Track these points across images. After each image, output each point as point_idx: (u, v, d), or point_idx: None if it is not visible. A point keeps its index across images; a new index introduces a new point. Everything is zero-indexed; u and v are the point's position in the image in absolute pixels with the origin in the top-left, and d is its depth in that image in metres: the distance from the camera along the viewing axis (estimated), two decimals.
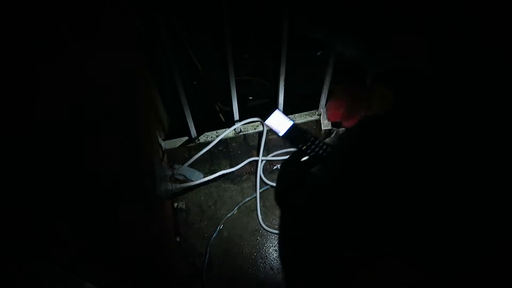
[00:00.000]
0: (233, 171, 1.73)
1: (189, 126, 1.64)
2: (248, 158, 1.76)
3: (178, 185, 1.40)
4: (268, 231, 1.63)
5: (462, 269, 0.71)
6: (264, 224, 1.64)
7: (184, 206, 1.71)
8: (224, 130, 1.70)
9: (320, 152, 1.01)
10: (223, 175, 1.71)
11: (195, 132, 1.68)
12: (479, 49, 0.69)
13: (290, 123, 1.03)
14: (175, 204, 1.71)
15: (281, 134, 1.02)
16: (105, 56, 1.05)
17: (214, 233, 1.64)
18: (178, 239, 1.63)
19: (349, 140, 1.03)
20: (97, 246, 0.83)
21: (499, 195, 0.67)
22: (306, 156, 1.01)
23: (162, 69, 1.56)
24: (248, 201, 1.71)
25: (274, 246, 1.61)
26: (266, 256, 1.60)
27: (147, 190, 1.20)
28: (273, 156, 1.77)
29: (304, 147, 1.00)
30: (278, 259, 1.58)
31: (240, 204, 1.70)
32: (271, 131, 1.83)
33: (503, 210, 0.67)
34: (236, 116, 1.66)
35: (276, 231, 1.62)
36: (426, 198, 0.73)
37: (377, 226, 0.84)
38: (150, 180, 1.27)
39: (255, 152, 1.79)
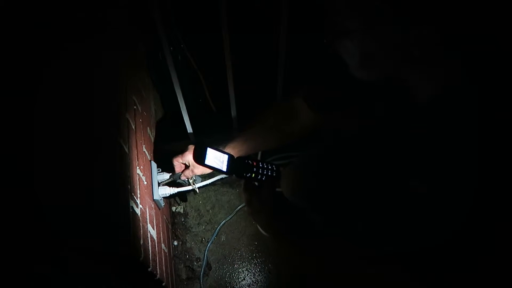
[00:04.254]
0: (231, 176, 1.73)
1: (188, 131, 1.64)
2: None
3: (176, 189, 1.39)
4: (266, 235, 1.62)
5: (462, 269, 0.70)
6: (262, 228, 1.63)
7: (182, 210, 1.71)
8: None
9: (269, 173, 0.98)
10: (221, 179, 1.71)
11: (192, 135, 1.68)
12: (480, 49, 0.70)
13: (226, 156, 0.99)
14: (173, 208, 1.71)
15: (225, 170, 0.98)
16: (104, 58, 1.06)
17: (212, 237, 1.64)
18: (175, 243, 1.63)
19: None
20: (95, 246, 0.83)
21: (499, 195, 0.67)
22: (256, 181, 0.98)
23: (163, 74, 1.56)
24: None
25: (273, 250, 1.60)
26: (264, 260, 1.59)
27: (143, 193, 1.19)
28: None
29: (252, 175, 0.97)
30: (276, 263, 1.58)
31: (238, 208, 1.69)
32: None
33: (503, 210, 0.67)
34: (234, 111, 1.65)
35: None
36: (426, 198, 0.73)
37: (377, 226, 0.84)
38: (147, 183, 1.26)
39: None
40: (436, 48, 0.71)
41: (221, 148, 1.04)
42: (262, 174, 0.97)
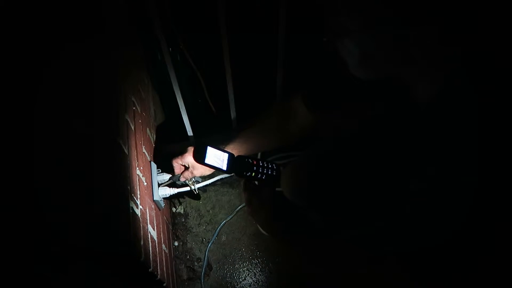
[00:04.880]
0: (231, 175, 1.73)
1: (187, 131, 1.64)
2: None
3: (176, 190, 1.40)
4: (266, 234, 1.62)
5: (462, 269, 0.70)
6: (262, 227, 1.63)
7: (182, 211, 1.71)
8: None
9: (270, 172, 0.97)
10: (221, 179, 1.71)
11: (192, 137, 1.68)
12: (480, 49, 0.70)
13: (226, 154, 0.99)
14: (173, 209, 1.71)
15: (225, 168, 0.97)
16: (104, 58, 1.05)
17: (213, 237, 1.64)
18: (176, 243, 1.63)
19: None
20: (95, 246, 0.83)
21: (499, 195, 0.67)
22: (256, 180, 0.98)
23: (162, 74, 1.57)
24: None
25: (273, 250, 1.60)
26: (265, 260, 1.59)
27: (143, 194, 1.19)
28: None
29: (252, 174, 0.96)
30: (277, 263, 1.58)
31: (239, 208, 1.69)
32: None
33: (503, 210, 0.67)
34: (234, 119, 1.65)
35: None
36: (425, 198, 0.73)
37: (376, 226, 0.84)
38: (147, 184, 1.26)
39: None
40: (436, 48, 0.71)
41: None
42: (262, 173, 0.96)
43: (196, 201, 1.72)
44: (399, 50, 0.72)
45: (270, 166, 0.98)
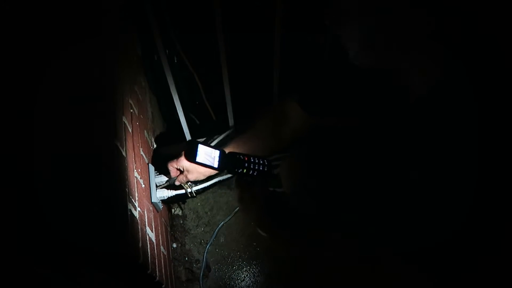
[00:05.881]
0: (229, 177, 1.72)
1: (185, 133, 1.64)
2: None
3: (174, 192, 1.39)
4: (264, 236, 1.62)
5: (462, 269, 0.70)
6: (261, 229, 1.63)
7: (180, 212, 1.70)
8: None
9: (261, 168, 0.96)
10: (219, 181, 1.70)
11: (191, 139, 1.68)
12: (480, 48, 0.70)
13: (217, 152, 0.98)
14: (172, 210, 1.70)
15: (217, 166, 0.97)
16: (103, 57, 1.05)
17: (211, 239, 1.63)
18: (174, 245, 1.63)
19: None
20: (94, 248, 0.83)
21: (499, 195, 0.67)
22: (249, 177, 0.97)
23: (159, 76, 1.57)
24: None
25: (272, 251, 1.60)
26: (263, 260, 1.59)
27: (141, 196, 1.19)
28: None
29: (244, 170, 0.95)
30: (275, 263, 1.58)
31: (237, 209, 1.69)
32: None
33: (503, 210, 0.67)
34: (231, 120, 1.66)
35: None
36: (426, 198, 0.73)
37: (378, 225, 0.84)
38: (145, 186, 1.26)
39: None
40: (435, 41, 0.71)
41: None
42: (254, 170, 0.96)
43: (194, 203, 1.72)
44: (398, 38, 0.72)
45: (261, 162, 0.97)
